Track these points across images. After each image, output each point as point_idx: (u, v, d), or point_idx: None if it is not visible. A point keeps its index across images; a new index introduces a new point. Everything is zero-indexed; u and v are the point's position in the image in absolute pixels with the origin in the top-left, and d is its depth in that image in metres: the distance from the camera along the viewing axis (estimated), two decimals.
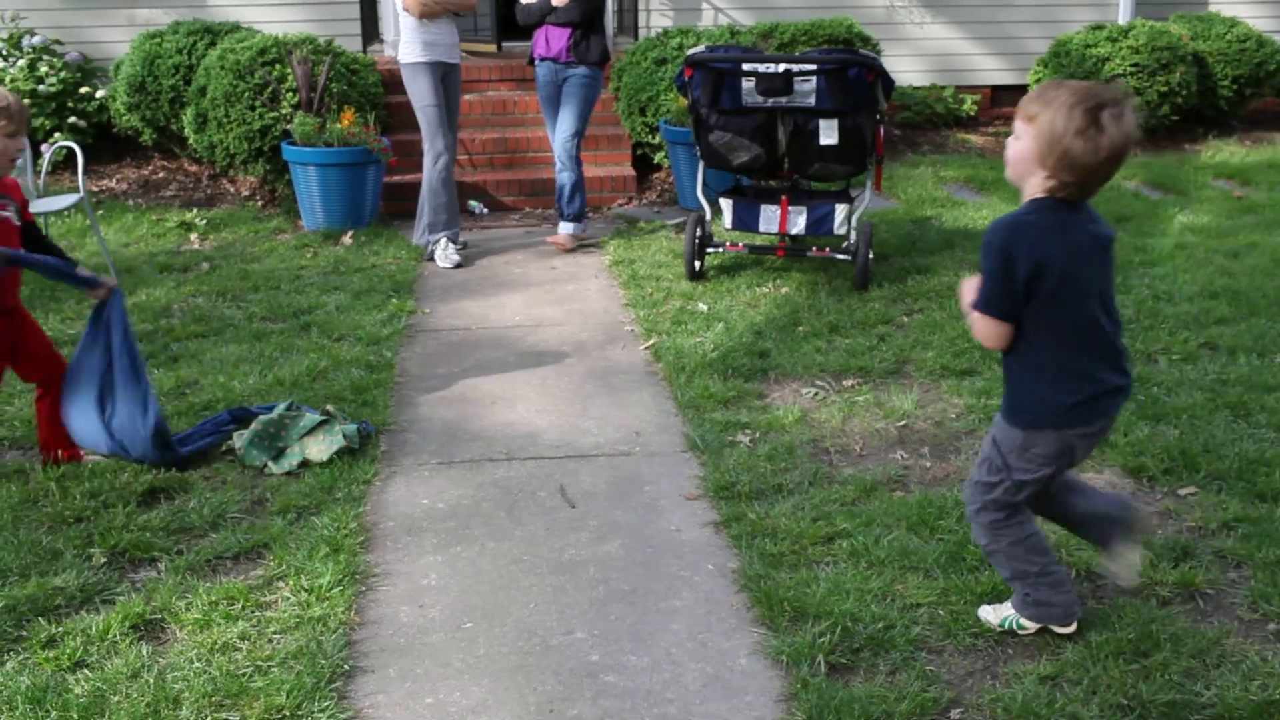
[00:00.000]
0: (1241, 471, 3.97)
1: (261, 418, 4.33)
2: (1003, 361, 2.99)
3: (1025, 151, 2.76)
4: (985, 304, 2.87)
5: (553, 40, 7.08)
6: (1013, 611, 3.13)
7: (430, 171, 6.96)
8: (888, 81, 6.15)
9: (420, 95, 6.83)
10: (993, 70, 10.74)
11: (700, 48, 6.60)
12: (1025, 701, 2.84)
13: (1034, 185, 2.80)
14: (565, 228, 7.30)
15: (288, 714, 2.84)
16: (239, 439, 4.27)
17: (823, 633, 3.12)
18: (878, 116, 6.18)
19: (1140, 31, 9.85)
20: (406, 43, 6.80)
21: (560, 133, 7.17)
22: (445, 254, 6.93)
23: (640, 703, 2.92)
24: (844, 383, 4.93)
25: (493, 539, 3.72)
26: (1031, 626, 3.11)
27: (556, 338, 5.64)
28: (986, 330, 2.90)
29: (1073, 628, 3.09)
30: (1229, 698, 2.83)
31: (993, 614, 3.18)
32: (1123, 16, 10.48)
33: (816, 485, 3.98)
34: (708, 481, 4.05)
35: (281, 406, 4.39)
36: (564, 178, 7.21)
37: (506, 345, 5.55)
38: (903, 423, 4.52)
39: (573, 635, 3.20)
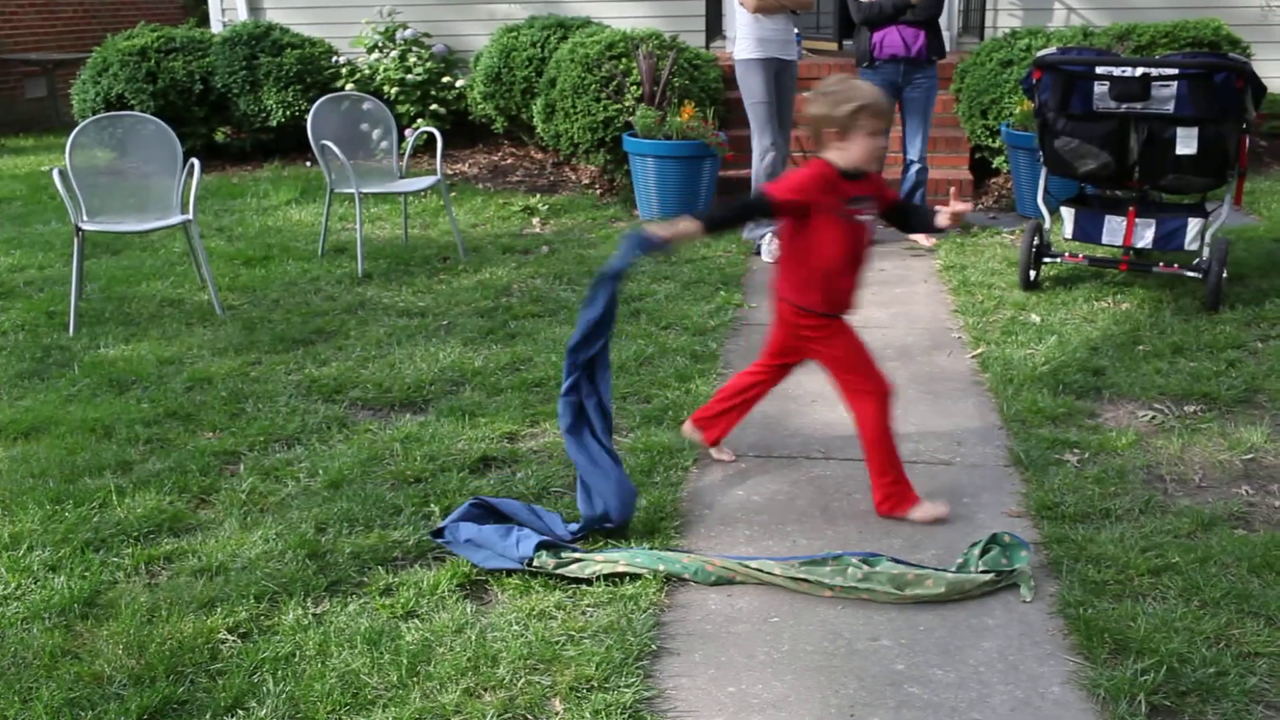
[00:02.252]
0: None
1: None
2: None
3: None
4: None
5: (912, 40, 6.99)
6: None
7: (758, 168, 7.03)
8: (1259, 88, 5.71)
9: (752, 91, 6.90)
10: None
11: (1050, 49, 6.35)
12: None
13: None
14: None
15: (596, 684, 2.95)
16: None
17: (1145, 670, 2.95)
18: (1243, 126, 5.76)
19: None
20: (742, 39, 6.89)
21: (920, 138, 7.16)
22: (770, 249, 6.99)
23: (943, 718, 2.86)
24: (1186, 408, 4.64)
25: (804, 536, 3.73)
26: None
27: (881, 340, 5.58)
28: None
29: None
30: None
31: None
32: None
33: (1148, 514, 3.77)
34: (1030, 499, 3.91)
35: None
36: (923, 176, 7.25)
37: None
38: (1250, 456, 4.21)
39: (879, 642, 3.17)
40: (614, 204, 8.29)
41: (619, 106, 8.25)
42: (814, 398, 4.85)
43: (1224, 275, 5.76)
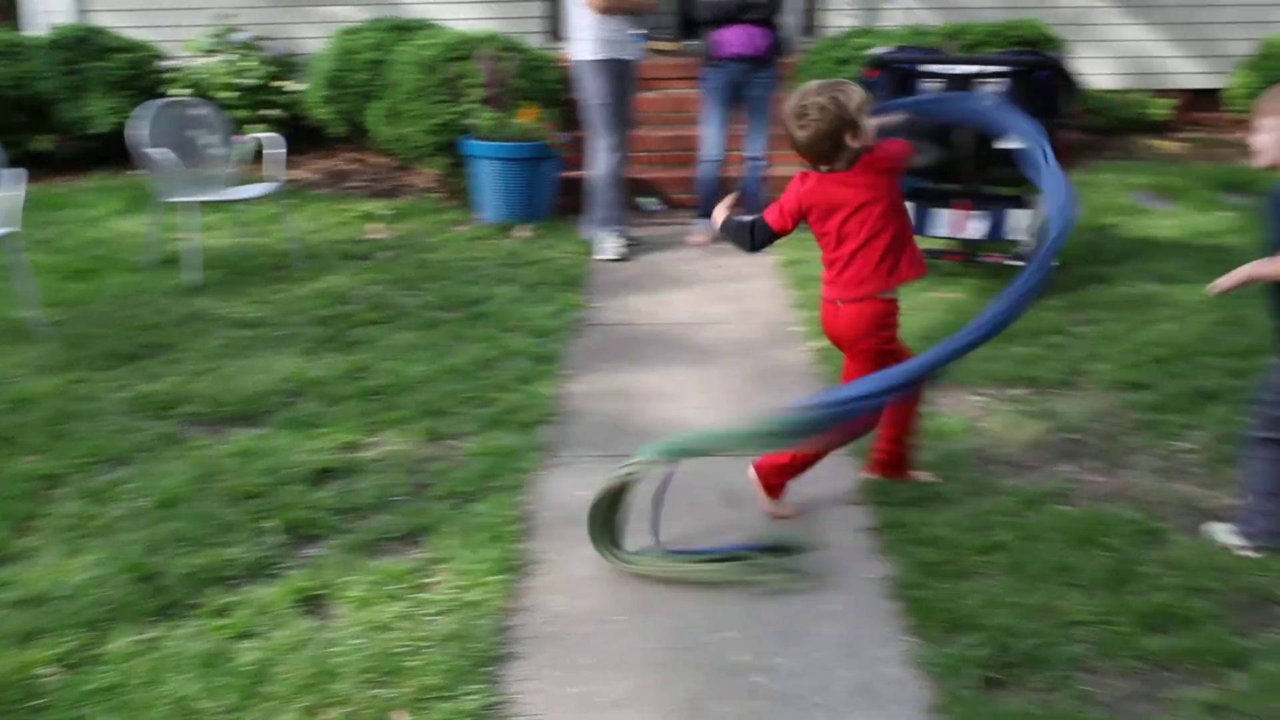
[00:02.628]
0: None
1: None
2: None
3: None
4: None
5: (755, 38, 7.05)
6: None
7: (601, 167, 7.05)
8: (1074, 85, 5.95)
9: (594, 92, 6.92)
10: (1190, 74, 10.30)
11: (884, 48, 6.51)
12: None
13: None
14: None
15: (441, 694, 2.92)
16: None
17: (977, 645, 3.05)
18: (1063, 121, 5.99)
19: None
20: (582, 40, 6.89)
21: (761, 136, 7.24)
22: (610, 246, 7.01)
23: (786, 706, 2.91)
24: (1012, 392, 4.80)
25: (648, 534, 3.74)
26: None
27: (721, 336, 5.65)
28: None
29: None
30: None
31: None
32: None
33: (978, 495, 3.89)
34: (867, 487, 4.00)
35: None
36: (761, 172, 7.42)
37: (671, 342, 5.58)
38: (1071, 436, 4.38)
39: (723, 633, 3.21)
40: (456, 207, 8.22)
41: (459, 109, 8.19)
42: (656, 395, 4.89)
43: (1054, 264, 5.96)
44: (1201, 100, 10.30)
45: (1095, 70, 9.83)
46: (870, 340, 3.74)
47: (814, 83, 3.62)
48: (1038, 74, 5.84)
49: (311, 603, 3.35)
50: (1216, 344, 5.18)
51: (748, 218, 3.83)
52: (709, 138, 7.30)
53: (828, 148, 3.58)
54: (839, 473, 4.13)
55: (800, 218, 3.72)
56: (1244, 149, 9.73)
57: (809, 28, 10.29)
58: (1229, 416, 4.40)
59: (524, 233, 7.53)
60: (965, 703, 2.84)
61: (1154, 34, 10.16)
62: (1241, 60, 9.91)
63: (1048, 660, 3.01)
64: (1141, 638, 3.10)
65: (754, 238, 3.81)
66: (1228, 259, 6.57)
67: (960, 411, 4.62)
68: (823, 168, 3.65)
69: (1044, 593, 3.29)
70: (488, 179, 7.76)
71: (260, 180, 7.17)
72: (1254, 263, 3.40)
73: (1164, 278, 6.25)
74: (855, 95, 3.55)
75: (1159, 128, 10.14)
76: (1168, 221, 7.45)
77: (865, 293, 3.68)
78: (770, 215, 3.77)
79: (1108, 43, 10.08)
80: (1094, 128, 9.89)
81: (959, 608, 3.23)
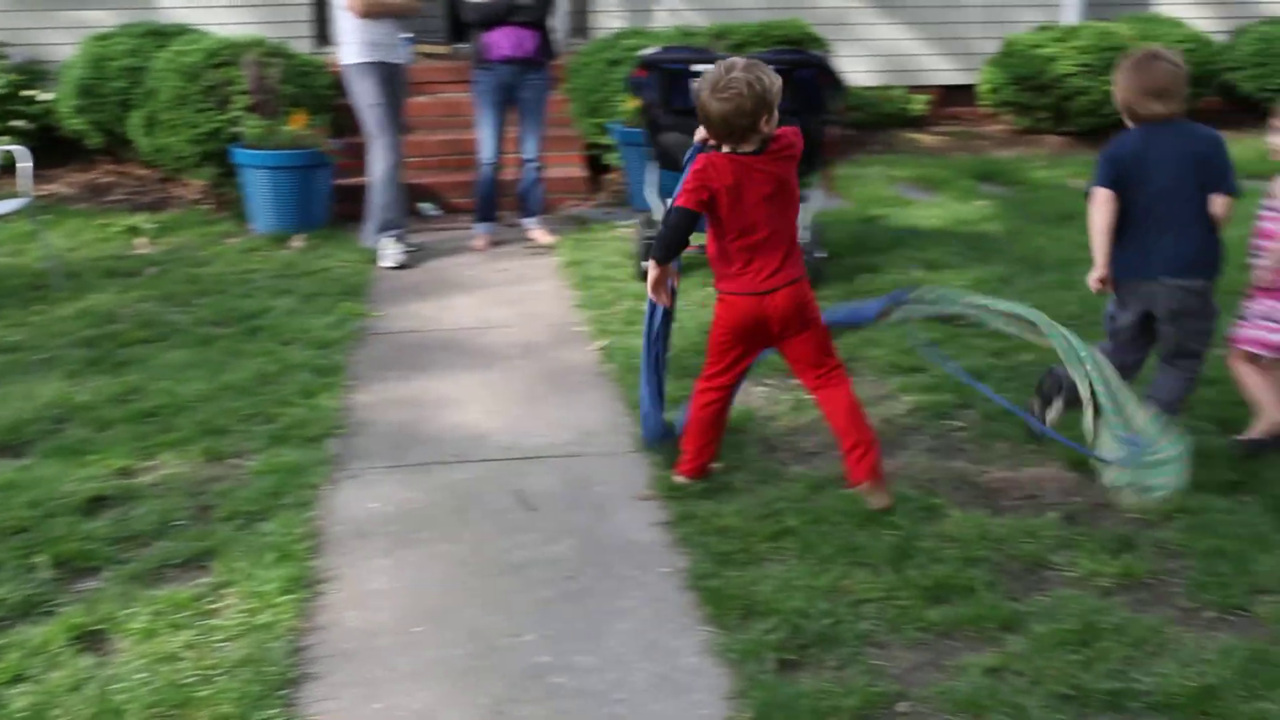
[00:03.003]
0: None
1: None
2: None
3: None
4: None
5: (524, 40, 7.03)
6: None
7: (376, 171, 6.93)
8: (837, 83, 6.18)
9: (364, 95, 6.80)
10: (943, 70, 10.82)
11: (653, 49, 6.61)
12: (970, 693, 2.86)
13: None
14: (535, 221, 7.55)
15: None
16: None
17: (771, 630, 3.13)
18: (828, 117, 6.21)
19: (1087, 32, 9.96)
20: (349, 44, 6.76)
21: (535, 138, 7.24)
22: (390, 253, 6.90)
23: (589, 703, 2.92)
24: (793, 381, 4.94)
25: (442, 542, 3.71)
26: None
27: (507, 339, 5.63)
28: None
29: None
30: (1167, 685, 2.87)
31: None
32: (1071, 17, 10.58)
33: (766, 483, 3.99)
34: (658, 481, 4.06)
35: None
36: (539, 174, 7.43)
37: (457, 347, 5.54)
38: None
39: (522, 637, 3.20)
40: (226, 218, 7.94)
41: (226, 117, 7.91)
42: (444, 402, 4.84)
43: (821, 255, 6.18)
44: (956, 95, 10.83)
45: (857, 68, 10.22)
46: (814, 305, 3.84)
47: (735, 59, 3.64)
48: (801, 72, 6.03)
49: (89, 639, 3.18)
50: (979, 326, 5.44)
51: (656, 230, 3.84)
52: (484, 141, 7.26)
53: (745, 125, 3.56)
54: (630, 470, 4.18)
55: (709, 196, 3.65)
56: (997, 141, 10.33)
57: (579, 29, 10.37)
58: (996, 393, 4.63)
59: (300, 243, 7.34)
60: (763, 686, 2.91)
61: (909, 33, 10.64)
62: (988, 57, 10.48)
63: (839, 638, 3.11)
64: (925, 609, 3.24)
65: (677, 230, 3.77)
66: (987, 245, 6.99)
67: (745, 402, 4.73)
68: (726, 148, 3.65)
69: (833, 574, 3.41)
70: (259, 189, 7.53)
71: (10, 196, 6.76)
72: None
73: (930, 264, 6.55)
74: (775, 81, 3.58)
75: (918, 122, 10.63)
76: (931, 212, 7.81)
77: (793, 276, 3.75)
78: (682, 201, 3.71)
79: (867, 41, 10.50)
80: (858, 123, 10.28)
81: (753, 594, 3.31)
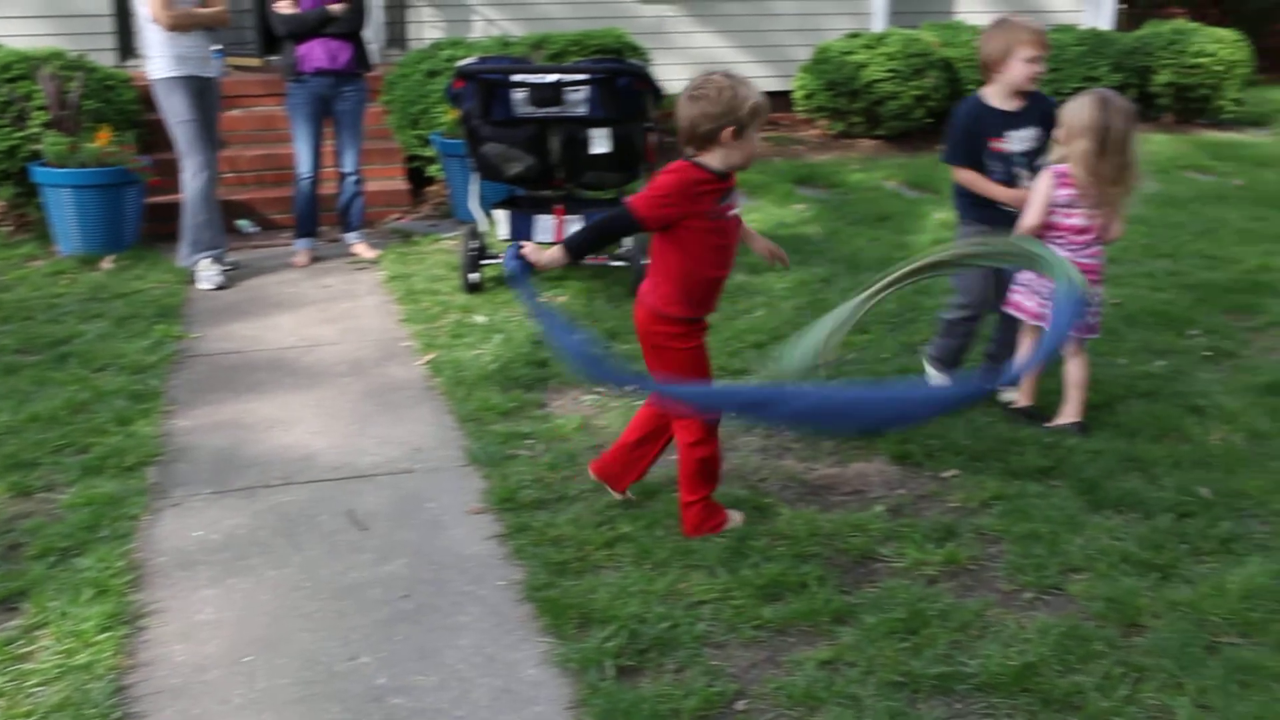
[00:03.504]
0: (997, 452, 4.21)
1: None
2: None
3: None
4: None
5: (337, 52, 6.91)
6: None
7: (190, 189, 6.71)
8: (657, 90, 6.25)
9: (174, 111, 6.57)
10: (759, 77, 10.90)
11: (471, 59, 6.57)
12: (807, 687, 2.93)
13: None
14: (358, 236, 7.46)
15: None
16: None
17: (610, 637, 3.14)
18: (648, 125, 6.28)
19: (894, 39, 10.31)
20: (157, 57, 6.52)
21: (353, 151, 7.12)
22: (208, 275, 6.69)
23: None
24: (624, 388, 4.97)
25: (271, 567, 3.61)
26: None
27: (333, 357, 5.52)
28: None
29: None
30: (991, 666, 2.99)
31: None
32: (878, 25, 10.95)
33: (599, 491, 4.00)
34: (491, 494, 4.03)
35: None
36: (359, 187, 7.34)
37: (281, 367, 5.40)
38: None
39: (357, 660, 3.14)
40: (29, 240, 7.56)
41: (23, 134, 7.55)
42: (269, 423, 4.71)
43: (645, 262, 6.21)
44: (772, 102, 11.03)
45: (675, 76, 10.33)
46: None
47: (724, 71, 3.54)
48: (620, 80, 6.08)
49: None
50: (803, 327, 5.57)
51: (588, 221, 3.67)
52: (301, 155, 7.11)
53: (706, 131, 3.44)
54: (462, 485, 4.15)
55: (683, 205, 3.50)
56: (813, 145, 10.60)
57: (396, 40, 10.24)
58: None
59: (110, 264, 7.05)
60: (604, 694, 2.92)
61: (725, 41, 10.84)
62: (802, 64, 10.75)
63: (677, 641, 3.14)
64: (760, 608, 3.30)
65: (611, 226, 3.67)
66: (808, 248, 7.15)
67: (575, 411, 4.74)
68: (689, 150, 3.54)
69: (669, 578, 3.44)
70: (63, 209, 7.20)
71: None
72: None
73: (752, 268, 6.66)
74: (753, 100, 3.45)
75: None
76: (750, 216, 7.94)
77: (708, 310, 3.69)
78: (638, 204, 3.55)
79: (684, 49, 10.65)
80: (677, 130, 10.40)
81: (590, 602, 3.31)
